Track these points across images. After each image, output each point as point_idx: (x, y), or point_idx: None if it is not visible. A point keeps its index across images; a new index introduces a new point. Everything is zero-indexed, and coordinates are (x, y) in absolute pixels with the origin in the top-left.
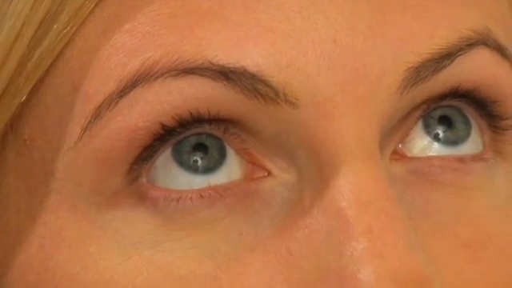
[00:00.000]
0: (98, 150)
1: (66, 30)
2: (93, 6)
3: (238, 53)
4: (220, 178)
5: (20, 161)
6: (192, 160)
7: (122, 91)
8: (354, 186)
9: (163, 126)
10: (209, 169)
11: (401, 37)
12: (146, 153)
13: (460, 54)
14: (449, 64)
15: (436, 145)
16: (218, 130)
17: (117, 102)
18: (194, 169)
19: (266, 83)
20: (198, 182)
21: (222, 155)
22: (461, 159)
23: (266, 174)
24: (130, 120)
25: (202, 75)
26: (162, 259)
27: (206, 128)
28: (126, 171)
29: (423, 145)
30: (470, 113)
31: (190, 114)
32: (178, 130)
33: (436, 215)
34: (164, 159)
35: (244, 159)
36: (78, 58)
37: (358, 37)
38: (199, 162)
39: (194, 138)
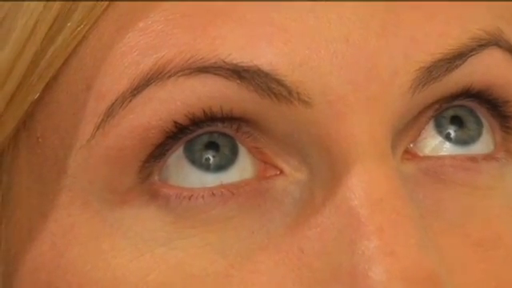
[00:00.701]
0: (111, 148)
1: (79, 28)
2: (106, 4)
3: (252, 52)
4: (232, 176)
5: (32, 158)
6: (204, 158)
7: (135, 89)
8: (365, 184)
9: (176, 124)
10: (221, 167)
11: (413, 36)
12: (159, 151)
13: (472, 55)
14: (461, 64)
15: (447, 144)
16: (231, 129)
17: (130, 101)
18: (206, 167)
19: (279, 82)
20: (210, 180)
21: (234, 153)
22: (473, 158)
23: (278, 172)
24: (142, 118)
25: (215, 74)
26: (173, 257)
27: (219, 126)
28: (139, 169)
29: (435, 144)
30: (482, 113)
31: (203, 112)
32: (191, 128)
33: (447, 214)
34: (176, 157)
35: (256, 158)
36: (92, 57)
37: (370, 36)
38: (211, 160)
39: (206, 136)
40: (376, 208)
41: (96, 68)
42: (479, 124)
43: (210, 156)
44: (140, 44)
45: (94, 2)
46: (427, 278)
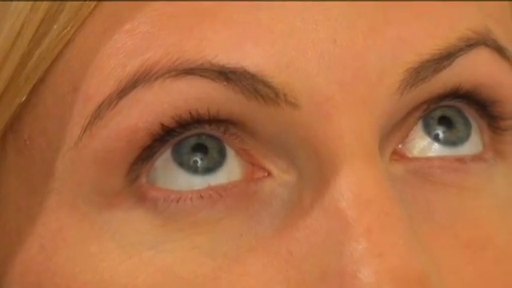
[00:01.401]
0: (98, 151)
1: (66, 30)
2: (93, 6)
3: (238, 53)
4: (220, 178)
5: (20, 161)
6: (192, 160)
7: (121, 91)
8: (353, 186)
9: (163, 126)
10: (209, 169)
11: (401, 36)
12: (146, 153)
13: (460, 55)
14: (449, 64)
15: (436, 145)
16: (218, 131)
17: (117, 103)
18: (193, 169)
19: (266, 84)
20: (198, 182)
21: (222, 156)
22: (461, 159)
23: (265, 174)
24: (129, 120)
25: (202, 76)
26: (162, 260)
27: (206, 128)
28: (126, 172)
29: (423, 145)
30: (470, 113)
31: (190, 114)
32: (178, 130)
33: (436, 215)
34: (164, 160)
35: (244, 160)
36: (78, 58)
37: (357, 36)
38: (199, 162)
39: (193, 138)
40: (364, 209)
41: (83, 70)
42: (467, 125)
43: (197, 158)
44: (126, 46)
45: (81, 4)
46: (416, 278)
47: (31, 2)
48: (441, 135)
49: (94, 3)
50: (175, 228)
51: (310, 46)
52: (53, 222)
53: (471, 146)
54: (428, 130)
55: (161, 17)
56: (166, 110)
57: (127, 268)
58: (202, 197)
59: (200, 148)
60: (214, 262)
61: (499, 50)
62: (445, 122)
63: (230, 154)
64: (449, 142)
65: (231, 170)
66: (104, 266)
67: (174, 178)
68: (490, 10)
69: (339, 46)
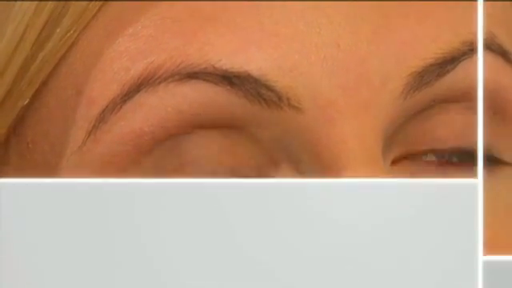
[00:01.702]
0: (104, 155)
1: (69, 34)
2: (96, 9)
3: (242, 57)
4: None
5: (22, 164)
6: None
7: (125, 95)
8: None
9: (167, 131)
10: None
11: (404, 41)
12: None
13: (464, 59)
14: (452, 69)
15: None
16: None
17: (121, 107)
18: None
19: (269, 88)
20: None
21: None
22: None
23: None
24: (134, 124)
25: (205, 80)
26: None
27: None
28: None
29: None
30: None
31: (194, 118)
32: (183, 136)
33: None
34: None
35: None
36: (82, 62)
37: (361, 41)
38: None
39: None
40: None
41: (86, 73)
42: None
43: None
44: (130, 49)
45: (84, 8)
46: None
47: (34, 5)
48: None
49: (97, 7)
50: None
51: (313, 50)
52: None
53: None
54: None
55: (164, 20)
56: (170, 114)
57: None
58: None
59: None
60: None
61: (503, 54)
62: None
63: None
64: None
65: None
66: None
67: None
68: (494, 14)
69: (343, 50)
